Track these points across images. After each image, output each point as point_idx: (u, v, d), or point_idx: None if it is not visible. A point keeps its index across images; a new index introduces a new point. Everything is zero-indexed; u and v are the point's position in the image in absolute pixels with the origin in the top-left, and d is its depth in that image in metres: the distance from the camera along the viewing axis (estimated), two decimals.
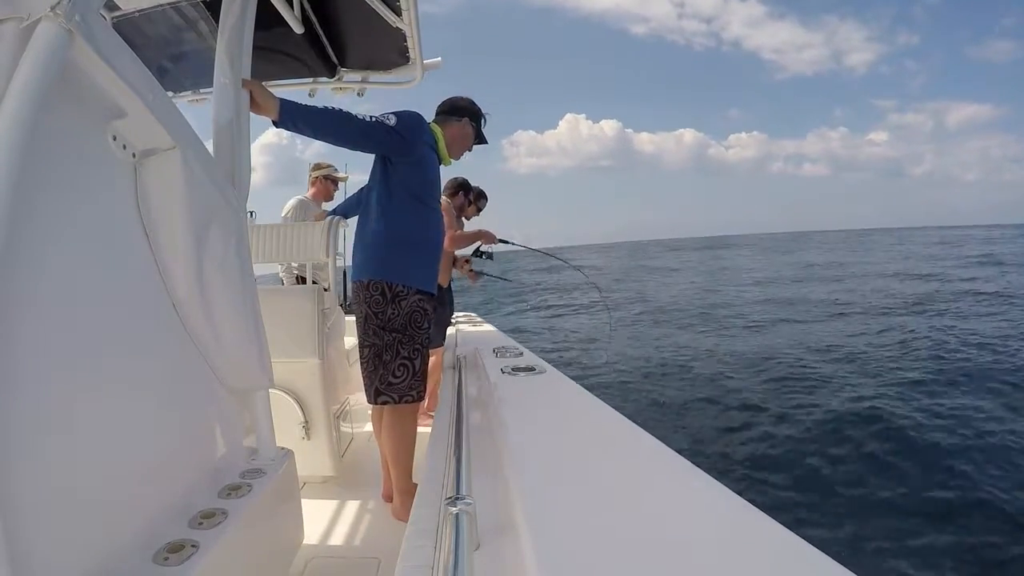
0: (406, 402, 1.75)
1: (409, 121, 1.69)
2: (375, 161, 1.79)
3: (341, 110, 1.58)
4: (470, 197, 3.07)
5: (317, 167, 3.37)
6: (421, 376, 1.78)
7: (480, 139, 2.02)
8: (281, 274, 3.32)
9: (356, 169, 3.59)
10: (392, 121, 1.64)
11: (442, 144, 1.88)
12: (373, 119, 1.63)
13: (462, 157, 2.01)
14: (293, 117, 1.48)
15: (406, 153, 1.71)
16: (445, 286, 2.95)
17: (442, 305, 2.90)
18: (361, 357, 1.78)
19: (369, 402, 1.78)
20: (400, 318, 1.72)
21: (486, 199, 3.17)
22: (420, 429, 2.61)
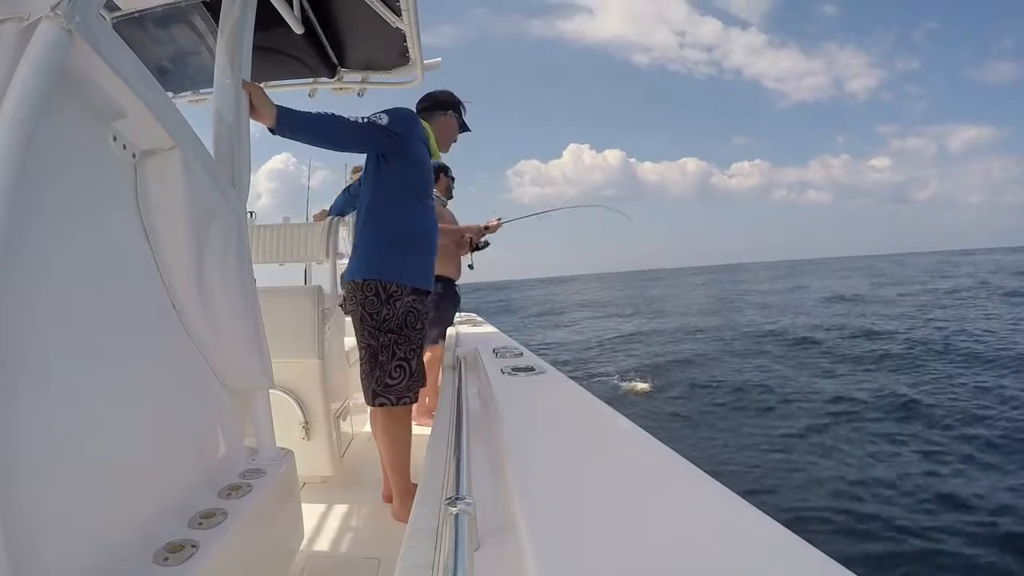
0: (403, 404, 1.74)
1: (402, 118, 1.70)
2: (368, 159, 1.79)
3: (334, 114, 1.57)
4: (452, 176, 3.11)
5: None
6: (418, 377, 1.77)
7: (463, 127, 2.07)
8: None
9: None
10: (384, 120, 1.65)
11: (433, 140, 1.89)
12: (365, 120, 1.63)
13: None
14: (290, 124, 1.47)
15: (401, 150, 1.72)
16: (456, 279, 2.96)
17: (448, 300, 2.90)
18: (360, 359, 1.78)
19: (367, 404, 1.78)
20: (395, 319, 1.71)
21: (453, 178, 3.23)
22: (420, 429, 2.62)
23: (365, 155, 1.81)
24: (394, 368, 1.72)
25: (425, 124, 1.88)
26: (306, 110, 1.53)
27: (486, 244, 2.97)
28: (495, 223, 3.02)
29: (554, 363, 1.67)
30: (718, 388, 7.05)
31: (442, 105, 1.99)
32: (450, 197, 3.10)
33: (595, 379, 8.00)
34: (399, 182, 1.74)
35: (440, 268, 2.87)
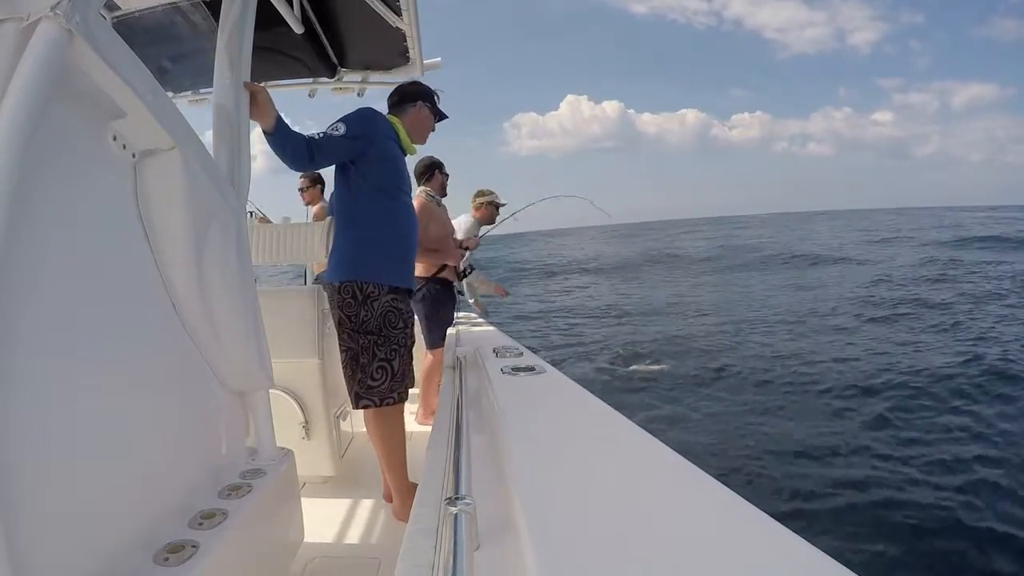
0: (387, 404, 1.73)
1: (360, 120, 1.68)
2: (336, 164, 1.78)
3: (302, 135, 1.58)
4: (446, 172, 3.05)
5: (481, 194, 3.61)
6: (401, 377, 1.76)
7: (440, 116, 1.99)
8: None
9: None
10: (342, 130, 1.63)
11: (403, 135, 1.85)
12: (321, 136, 1.61)
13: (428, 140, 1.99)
14: (281, 133, 1.50)
15: (367, 152, 1.70)
16: (453, 280, 2.94)
17: (446, 302, 2.88)
18: (342, 362, 1.78)
19: (352, 407, 1.78)
20: (374, 319, 1.70)
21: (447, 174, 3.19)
22: (422, 429, 2.63)
23: None
24: (375, 369, 1.71)
25: (393, 119, 1.84)
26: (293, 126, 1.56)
27: (471, 269, 2.94)
28: (474, 240, 2.98)
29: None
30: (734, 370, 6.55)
31: (410, 97, 1.92)
32: (444, 195, 3.06)
33: (593, 356, 7.57)
34: (369, 182, 1.73)
35: (436, 271, 2.87)
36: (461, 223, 3.42)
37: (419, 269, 2.47)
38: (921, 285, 11.68)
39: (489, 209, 3.52)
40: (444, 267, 2.83)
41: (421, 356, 3.40)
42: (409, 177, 1.91)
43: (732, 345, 7.71)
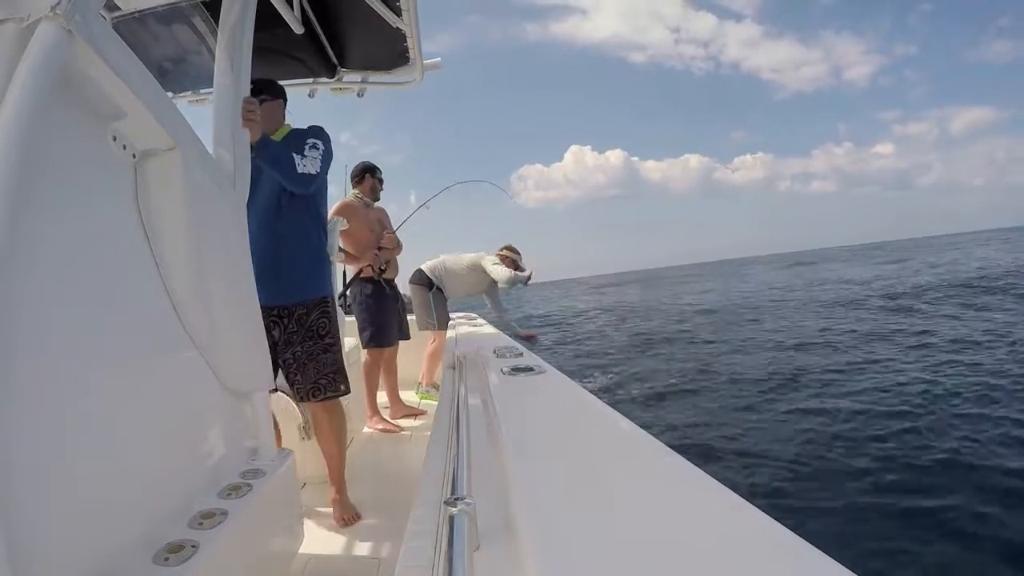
0: None
1: None
2: None
3: None
4: (380, 176, 3.06)
5: (510, 248, 3.90)
6: None
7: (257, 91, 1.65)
8: None
9: None
10: None
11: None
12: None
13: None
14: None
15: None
16: (377, 278, 2.98)
17: (366, 301, 2.93)
18: None
19: None
20: None
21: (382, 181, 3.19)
22: (422, 430, 2.63)
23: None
24: None
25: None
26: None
27: (383, 270, 2.95)
28: (387, 236, 2.97)
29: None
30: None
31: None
32: (376, 199, 3.05)
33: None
34: None
35: (367, 271, 2.93)
36: (481, 258, 3.70)
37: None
38: None
39: (508, 263, 3.77)
40: (362, 269, 2.93)
41: (426, 354, 3.43)
42: (256, 177, 1.64)
43: None
